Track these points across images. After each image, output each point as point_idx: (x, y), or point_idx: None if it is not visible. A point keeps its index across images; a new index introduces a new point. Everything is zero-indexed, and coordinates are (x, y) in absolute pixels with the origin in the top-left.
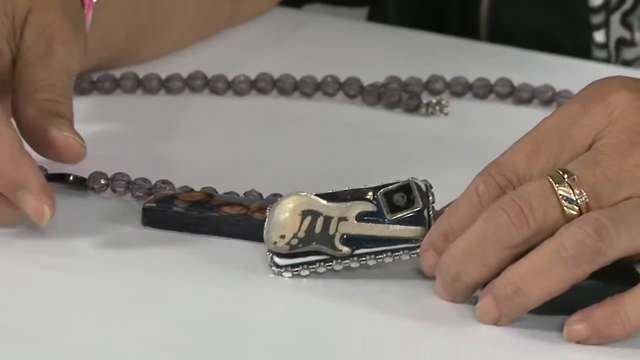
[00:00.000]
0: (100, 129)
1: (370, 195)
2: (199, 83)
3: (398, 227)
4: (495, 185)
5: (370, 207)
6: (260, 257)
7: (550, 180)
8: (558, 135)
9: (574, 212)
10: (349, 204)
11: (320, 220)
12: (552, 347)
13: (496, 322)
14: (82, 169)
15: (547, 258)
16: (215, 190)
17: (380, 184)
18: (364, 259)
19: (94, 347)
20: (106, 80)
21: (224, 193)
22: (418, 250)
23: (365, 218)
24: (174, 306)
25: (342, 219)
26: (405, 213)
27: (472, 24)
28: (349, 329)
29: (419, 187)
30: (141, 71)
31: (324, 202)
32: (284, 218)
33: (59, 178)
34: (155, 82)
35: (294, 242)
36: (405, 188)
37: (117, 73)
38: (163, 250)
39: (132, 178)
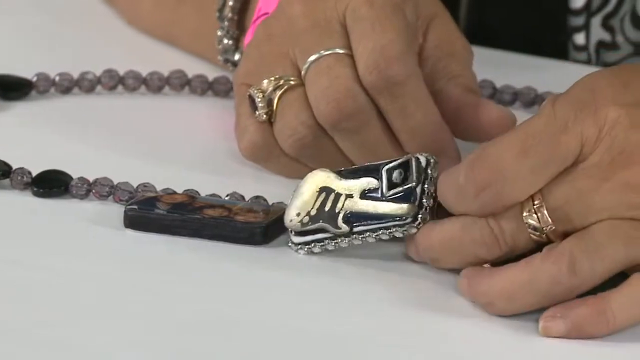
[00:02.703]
0: (75, 130)
1: (378, 171)
2: (177, 82)
3: (387, 204)
4: (474, 182)
5: (374, 184)
6: (242, 259)
7: (522, 206)
8: (548, 139)
9: (543, 239)
10: (358, 180)
11: (331, 197)
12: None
13: None
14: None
15: (520, 287)
16: (197, 192)
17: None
18: (364, 236)
19: (76, 347)
20: (85, 79)
21: (207, 195)
22: (408, 228)
23: (368, 195)
24: (155, 307)
25: (349, 196)
26: (398, 190)
27: None
28: (342, 330)
29: (418, 163)
30: (121, 68)
31: (338, 179)
32: (301, 195)
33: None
34: (132, 80)
35: (306, 219)
36: (405, 164)
37: (97, 71)
38: (145, 253)
39: (115, 182)
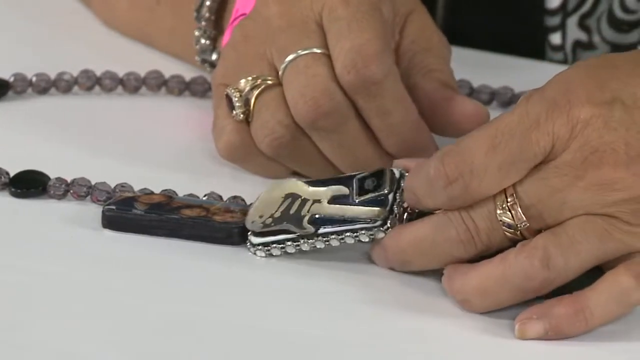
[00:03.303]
0: (53, 131)
1: (350, 180)
2: (154, 83)
3: (357, 208)
4: (444, 174)
5: (344, 191)
6: (219, 259)
7: (496, 203)
8: (519, 135)
9: (517, 237)
10: (327, 187)
11: (297, 202)
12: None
13: None
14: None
15: (494, 282)
16: (175, 192)
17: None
18: (327, 238)
19: (53, 348)
20: (62, 80)
21: (184, 195)
22: (375, 232)
23: (336, 201)
24: (132, 308)
25: (317, 201)
26: (370, 196)
27: None
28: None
29: (392, 174)
30: (98, 69)
31: (307, 186)
32: (266, 200)
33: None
34: (109, 81)
35: (269, 221)
36: (379, 174)
37: (74, 71)
38: (122, 253)
39: (92, 182)
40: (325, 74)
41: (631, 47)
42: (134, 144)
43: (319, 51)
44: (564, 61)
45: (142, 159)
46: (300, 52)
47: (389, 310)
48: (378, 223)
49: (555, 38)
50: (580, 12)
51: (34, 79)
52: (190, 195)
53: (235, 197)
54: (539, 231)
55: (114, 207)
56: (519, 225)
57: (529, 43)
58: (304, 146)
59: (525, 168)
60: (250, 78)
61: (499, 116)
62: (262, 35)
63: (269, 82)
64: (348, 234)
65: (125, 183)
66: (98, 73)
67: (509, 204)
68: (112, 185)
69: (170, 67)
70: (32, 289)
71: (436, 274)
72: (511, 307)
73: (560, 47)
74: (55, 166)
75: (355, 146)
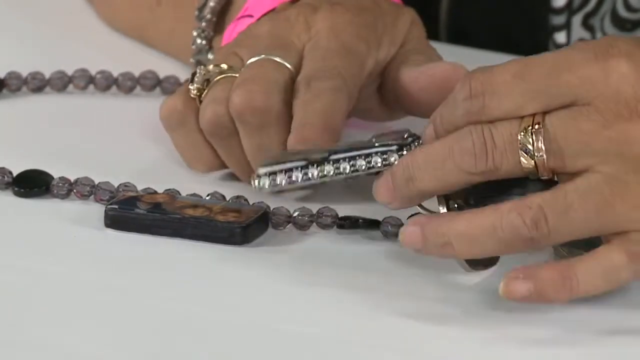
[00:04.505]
0: (50, 130)
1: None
2: (148, 83)
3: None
4: (467, 88)
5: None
6: (222, 259)
7: (521, 125)
8: (549, 71)
9: (530, 165)
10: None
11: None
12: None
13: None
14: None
15: (483, 231)
16: (178, 192)
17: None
18: (337, 165)
19: (55, 347)
20: (57, 78)
21: (187, 195)
22: (389, 155)
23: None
24: (134, 307)
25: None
26: (389, 142)
27: (431, 24)
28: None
29: (413, 135)
30: (94, 68)
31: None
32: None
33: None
34: (103, 80)
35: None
36: (400, 133)
37: (70, 70)
38: (125, 252)
39: (95, 182)
40: (277, 78)
41: None
42: (135, 143)
43: (286, 64)
44: None
45: (145, 159)
46: (268, 56)
47: (389, 310)
48: (393, 147)
49: (560, 37)
50: (585, 10)
51: (28, 77)
52: (193, 194)
53: (238, 197)
54: (552, 170)
55: (116, 206)
56: (536, 154)
57: (534, 42)
58: (235, 137)
59: (548, 103)
60: (223, 65)
61: (539, 54)
62: (245, 43)
63: (236, 75)
64: (361, 159)
65: (128, 182)
66: (93, 72)
67: (534, 129)
68: (116, 185)
69: (167, 67)
70: (34, 289)
71: (436, 274)
72: (511, 307)
73: (565, 47)
74: (58, 165)
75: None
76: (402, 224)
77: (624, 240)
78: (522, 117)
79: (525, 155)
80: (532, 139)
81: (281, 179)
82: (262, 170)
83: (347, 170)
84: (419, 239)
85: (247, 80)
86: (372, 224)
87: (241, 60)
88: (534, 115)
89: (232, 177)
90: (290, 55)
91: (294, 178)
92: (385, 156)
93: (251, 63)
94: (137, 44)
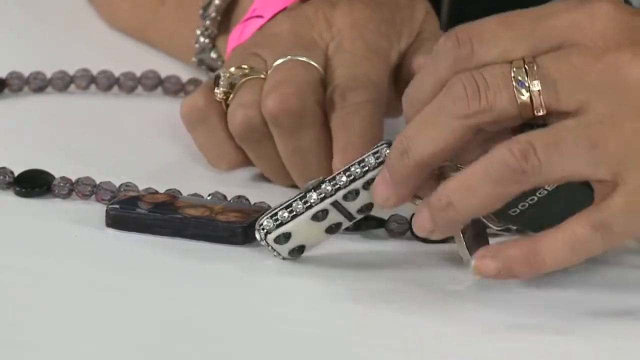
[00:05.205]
0: (52, 130)
1: None
2: (150, 83)
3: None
4: (454, 37)
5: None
6: (223, 259)
7: (512, 66)
8: (535, 17)
9: (525, 99)
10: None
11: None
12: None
13: (430, 235)
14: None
15: (476, 176)
16: (179, 192)
17: None
18: (334, 180)
19: (56, 347)
20: (59, 78)
21: (188, 195)
22: (381, 149)
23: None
24: (135, 306)
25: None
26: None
27: None
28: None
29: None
30: (95, 68)
31: None
32: None
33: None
34: (105, 80)
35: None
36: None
37: (71, 70)
38: (126, 252)
39: (97, 181)
40: (308, 80)
41: None
42: (136, 143)
43: (314, 64)
44: None
45: (147, 159)
46: (295, 57)
47: (389, 310)
48: (384, 146)
49: None
50: None
51: (30, 77)
52: (195, 194)
53: (239, 197)
54: (548, 107)
55: (118, 206)
56: (531, 87)
57: None
58: (267, 140)
59: (536, 45)
60: (244, 66)
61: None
62: (266, 43)
63: (261, 76)
64: (354, 165)
65: (129, 182)
66: (95, 72)
67: (526, 65)
68: (117, 185)
69: (169, 67)
70: (34, 289)
71: (436, 274)
72: (511, 308)
73: None
74: (59, 165)
75: (309, 157)
76: (407, 222)
77: (589, 211)
78: (511, 61)
79: (520, 89)
80: (526, 72)
81: (283, 215)
82: (265, 221)
83: (344, 180)
84: (426, 216)
85: (279, 83)
86: (377, 223)
87: (263, 61)
88: (523, 57)
89: (233, 177)
90: (315, 55)
91: (296, 209)
92: (378, 154)
93: (279, 65)
94: (139, 43)
